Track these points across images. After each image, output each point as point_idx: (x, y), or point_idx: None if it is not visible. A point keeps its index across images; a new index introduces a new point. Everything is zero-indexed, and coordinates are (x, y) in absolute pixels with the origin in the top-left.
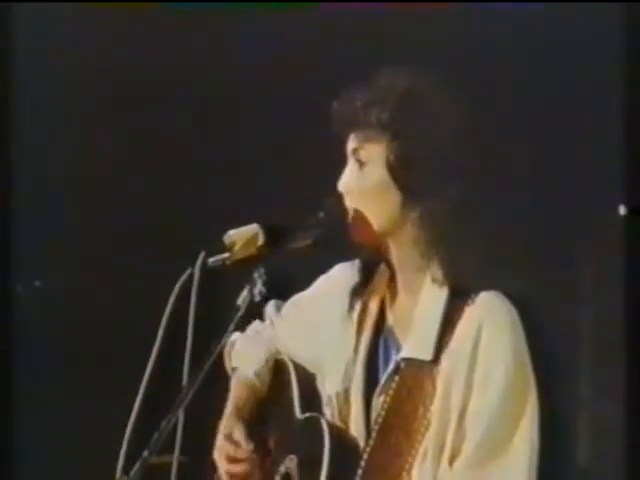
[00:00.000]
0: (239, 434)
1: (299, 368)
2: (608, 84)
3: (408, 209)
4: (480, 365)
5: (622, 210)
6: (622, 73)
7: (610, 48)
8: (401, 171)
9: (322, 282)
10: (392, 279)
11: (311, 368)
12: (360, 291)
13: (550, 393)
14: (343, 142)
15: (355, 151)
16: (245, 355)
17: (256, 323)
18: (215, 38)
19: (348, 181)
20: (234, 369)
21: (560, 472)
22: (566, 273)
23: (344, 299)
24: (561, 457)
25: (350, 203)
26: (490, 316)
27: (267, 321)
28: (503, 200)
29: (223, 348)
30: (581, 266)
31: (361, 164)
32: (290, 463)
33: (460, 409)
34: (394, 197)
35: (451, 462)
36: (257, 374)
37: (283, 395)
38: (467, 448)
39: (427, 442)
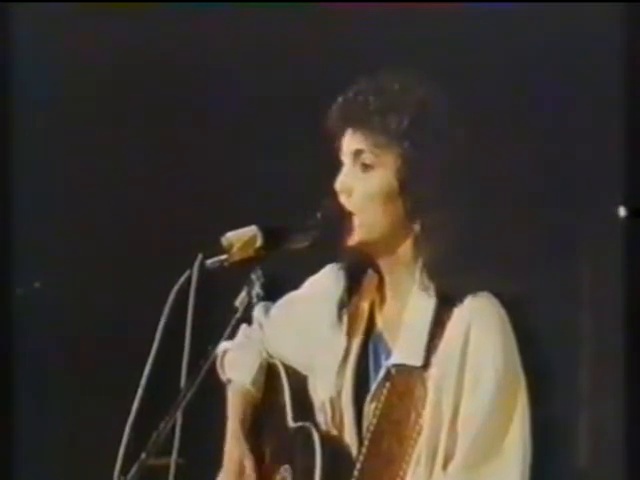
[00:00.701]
0: (249, 467)
1: (291, 372)
2: (608, 84)
3: (410, 221)
4: (470, 366)
5: (622, 211)
6: (622, 73)
7: (610, 48)
8: (411, 182)
9: (312, 283)
10: (381, 282)
11: (303, 370)
12: (349, 295)
13: (550, 393)
14: (337, 138)
15: (359, 152)
16: (239, 364)
17: (244, 327)
18: (215, 38)
19: (346, 180)
20: (229, 380)
21: (560, 472)
22: (566, 273)
23: (334, 302)
24: (561, 457)
25: (348, 204)
26: (479, 317)
27: (255, 324)
28: (503, 200)
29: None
30: (581, 267)
31: (366, 167)
32: (285, 473)
33: (452, 413)
34: (398, 206)
35: (444, 466)
36: (254, 382)
37: (275, 401)
38: (460, 451)
39: (420, 448)
